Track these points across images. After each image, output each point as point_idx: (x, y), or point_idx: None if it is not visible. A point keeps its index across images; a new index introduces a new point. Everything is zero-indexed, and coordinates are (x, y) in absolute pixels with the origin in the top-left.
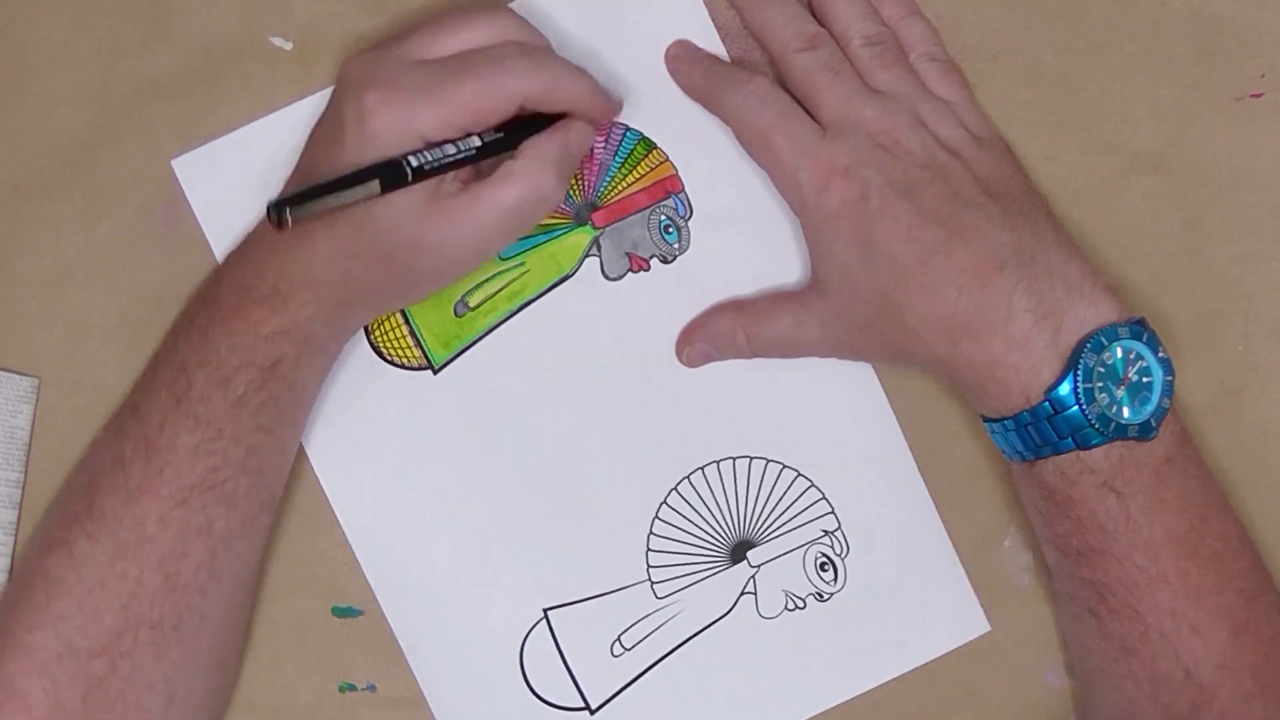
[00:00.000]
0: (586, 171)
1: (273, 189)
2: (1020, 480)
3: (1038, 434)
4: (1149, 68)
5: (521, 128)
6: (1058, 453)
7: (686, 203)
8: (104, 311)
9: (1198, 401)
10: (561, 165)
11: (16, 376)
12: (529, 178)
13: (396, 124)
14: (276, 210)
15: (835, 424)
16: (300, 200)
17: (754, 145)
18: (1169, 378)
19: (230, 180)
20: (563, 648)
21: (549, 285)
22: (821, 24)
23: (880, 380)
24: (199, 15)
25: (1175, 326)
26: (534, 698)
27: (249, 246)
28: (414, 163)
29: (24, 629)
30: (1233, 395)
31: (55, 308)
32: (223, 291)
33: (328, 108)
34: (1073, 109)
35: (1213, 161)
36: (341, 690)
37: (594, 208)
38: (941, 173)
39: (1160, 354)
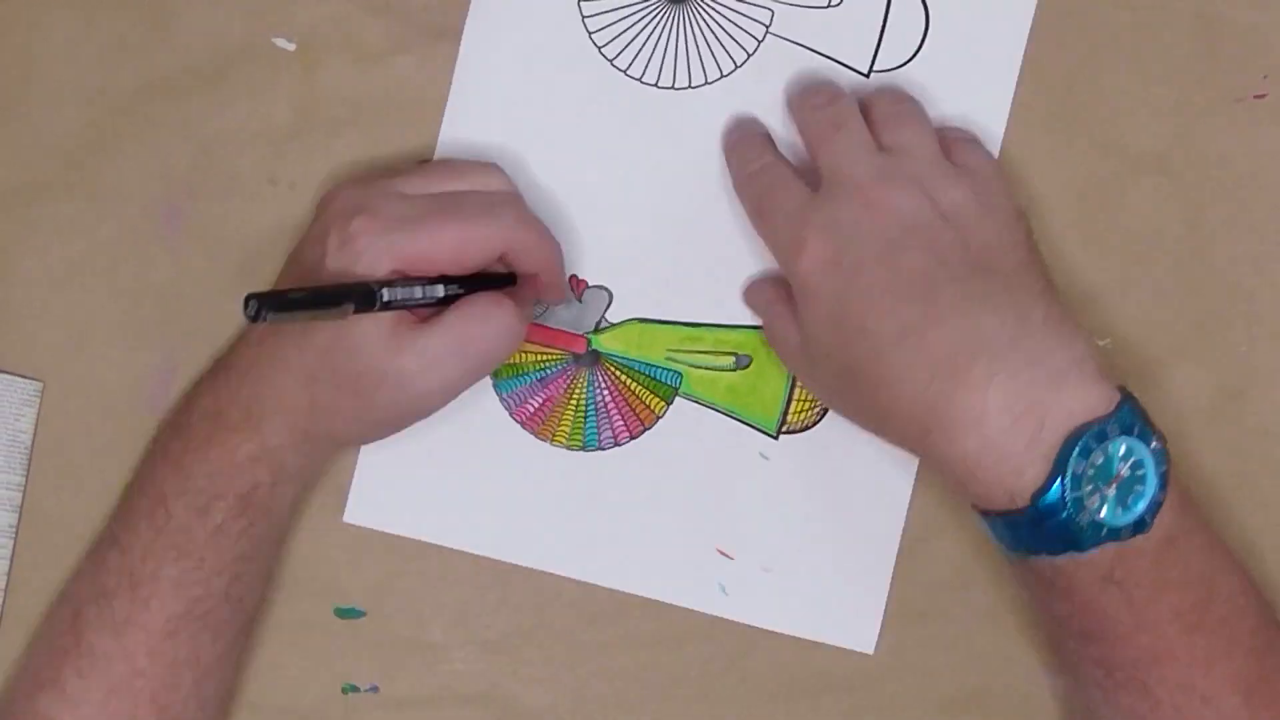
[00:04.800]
0: None
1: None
2: (1012, 563)
3: (1027, 535)
4: (1150, 68)
5: (478, 283)
6: (1051, 554)
7: None
8: (106, 313)
9: (1199, 403)
10: (521, 312)
11: (20, 380)
12: (484, 310)
13: (377, 249)
14: (256, 303)
15: None
16: (279, 300)
17: (753, 218)
18: (1163, 468)
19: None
20: None
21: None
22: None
23: None
24: (201, 16)
25: (1177, 328)
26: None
27: (220, 373)
28: (385, 296)
29: None
30: (1235, 397)
31: (58, 309)
32: (194, 419)
33: (311, 231)
34: (1073, 109)
35: (1215, 163)
36: (344, 691)
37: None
38: (928, 238)
39: (1154, 445)
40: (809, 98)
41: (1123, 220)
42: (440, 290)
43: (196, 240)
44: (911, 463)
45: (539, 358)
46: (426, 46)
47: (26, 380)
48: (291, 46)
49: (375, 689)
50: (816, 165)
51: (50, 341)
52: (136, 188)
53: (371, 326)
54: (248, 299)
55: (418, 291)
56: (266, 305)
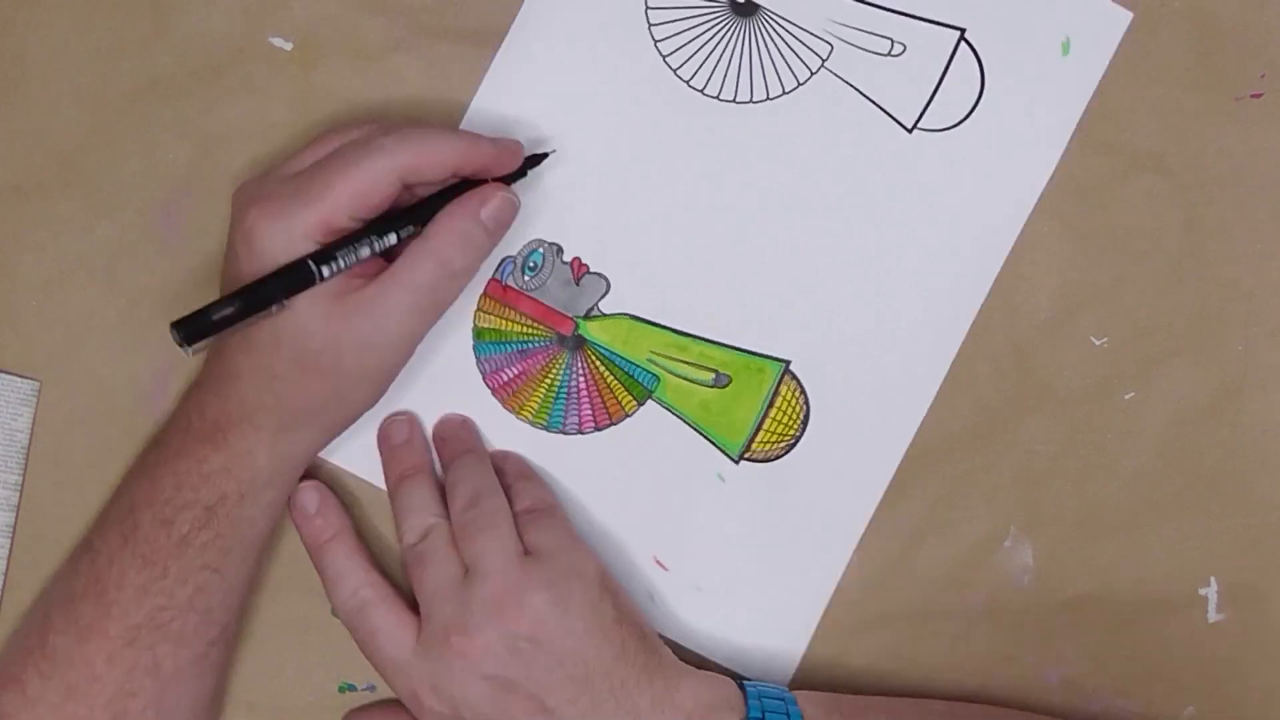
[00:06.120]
0: None
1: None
2: None
3: None
4: (1149, 68)
5: (433, 209)
6: None
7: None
8: (104, 312)
9: (1198, 402)
10: (470, 237)
11: (17, 379)
12: (434, 254)
13: (280, 233)
14: (178, 331)
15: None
16: (201, 323)
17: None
18: None
19: None
20: None
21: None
22: None
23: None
24: (199, 15)
25: (1175, 326)
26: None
27: (193, 390)
28: (325, 272)
29: None
30: (1233, 395)
31: (55, 309)
32: (169, 432)
33: (228, 240)
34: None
35: (1213, 161)
36: (341, 690)
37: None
38: (522, 674)
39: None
40: (403, 534)
41: (1120, 219)
42: (393, 237)
43: (193, 240)
44: (866, 511)
45: (524, 329)
46: (425, 46)
47: (24, 379)
48: (289, 46)
49: (372, 688)
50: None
51: (47, 341)
52: (133, 187)
53: (311, 305)
54: (171, 327)
55: (364, 250)
56: (187, 330)
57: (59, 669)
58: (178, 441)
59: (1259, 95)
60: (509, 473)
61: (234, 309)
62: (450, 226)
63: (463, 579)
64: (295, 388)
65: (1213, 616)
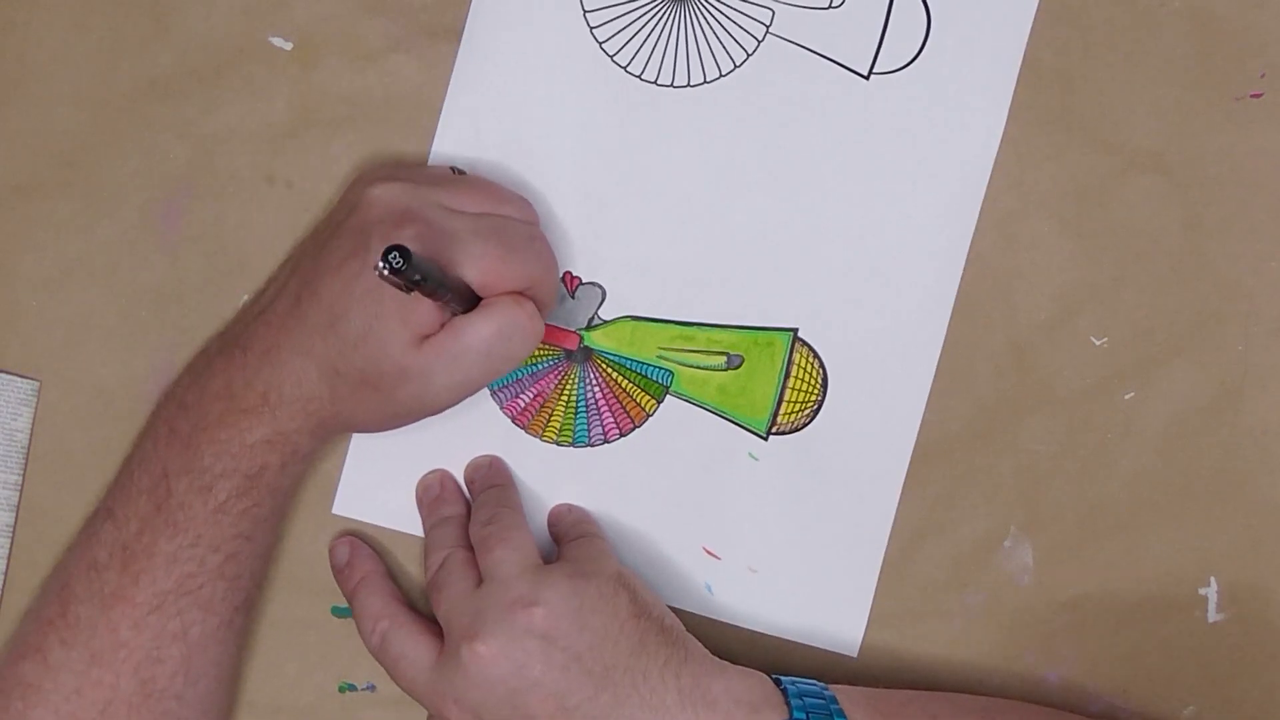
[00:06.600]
0: None
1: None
2: None
3: None
4: (1149, 68)
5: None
6: None
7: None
8: (104, 312)
9: (1198, 402)
10: (537, 315)
11: (17, 379)
12: (510, 310)
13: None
14: (400, 257)
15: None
16: (418, 259)
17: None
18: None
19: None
20: None
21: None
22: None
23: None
24: (199, 15)
25: (1175, 326)
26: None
27: (234, 353)
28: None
29: None
30: (1233, 395)
31: (55, 309)
32: (206, 399)
33: (347, 221)
34: (1071, 107)
35: (1213, 161)
36: (341, 690)
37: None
38: (541, 673)
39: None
40: (428, 567)
41: (1120, 219)
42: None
43: (193, 239)
44: (901, 464)
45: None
46: (424, 46)
47: (24, 379)
48: (289, 45)
49: (372, 688)
50: None
51: (47, 341)
52: (133, 187)
53: (400, 325)
54: (393, 248)
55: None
56: (411, 265)
57: (81, 636)
58: (218, 409)
59: (1259, 95)
60: (565, 519)
61: (436, 273)
62: (522, 298)
63: (477, 589)
64: (349, 392)
65: (1213, 616)
